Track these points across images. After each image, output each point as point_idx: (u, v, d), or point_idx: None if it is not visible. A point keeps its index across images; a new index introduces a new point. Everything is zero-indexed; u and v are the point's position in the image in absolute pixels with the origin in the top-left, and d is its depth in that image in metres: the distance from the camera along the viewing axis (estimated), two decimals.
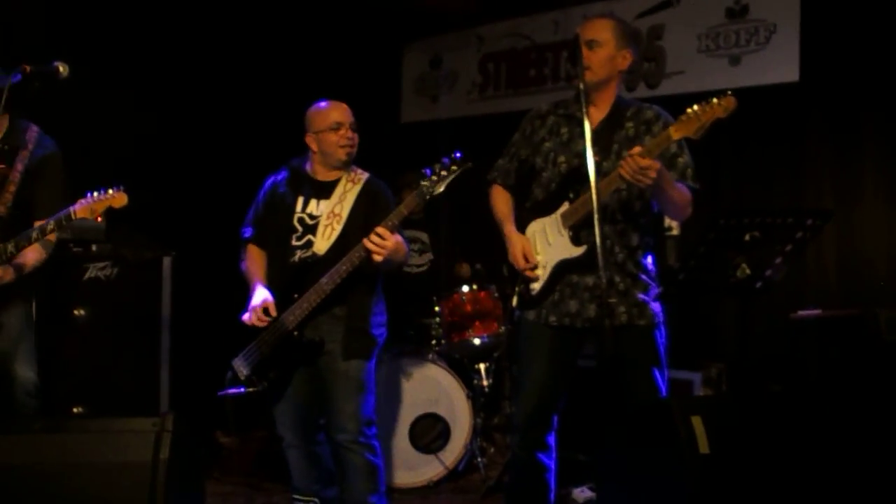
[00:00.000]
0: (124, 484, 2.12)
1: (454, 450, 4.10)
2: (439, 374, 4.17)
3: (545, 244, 2.80)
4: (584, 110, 2.50)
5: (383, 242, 2.86)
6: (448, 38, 5.70)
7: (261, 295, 3.07)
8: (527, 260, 2.80)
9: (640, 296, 2.75)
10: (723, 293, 2.67)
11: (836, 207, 4.15)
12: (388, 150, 3.65)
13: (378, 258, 2.88)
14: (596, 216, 2.41)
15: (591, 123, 2.54)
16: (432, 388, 4.15)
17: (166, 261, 4.13)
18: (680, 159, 2.72)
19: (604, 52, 2.72)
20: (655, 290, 2.78)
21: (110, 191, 2.81)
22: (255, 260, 3.24)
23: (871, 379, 3.48)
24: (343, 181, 3.16)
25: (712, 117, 2.43)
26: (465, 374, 4.34)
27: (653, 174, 2.45)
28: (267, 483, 4.11)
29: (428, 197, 2.88)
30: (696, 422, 2.29)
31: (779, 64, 4.39)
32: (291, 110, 5.36)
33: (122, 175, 3.29)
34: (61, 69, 2.74)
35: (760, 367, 3.81)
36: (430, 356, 4.22)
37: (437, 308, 4.38)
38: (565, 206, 2.75)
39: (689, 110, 2.46)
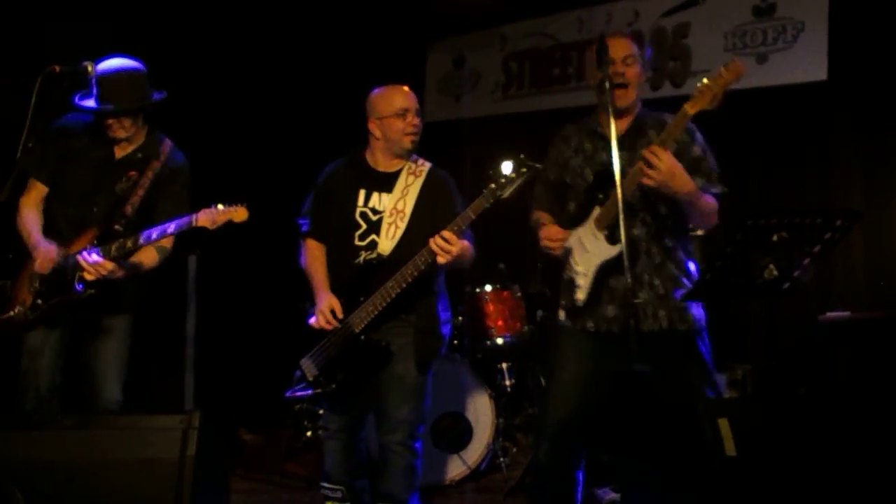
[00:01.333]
0: (151, 480, 2.14)
1: (476, 449, 4.09)
2: (462, 374, 4.17)
3: (583, 252, 2.76)
4: (609, 112, 2.50)
5: (449, 247, 2.79)
6: (471, 38, 5.69)
7: (328, 299, 2.99)
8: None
9: (681, 301, 2.72)
10: (750, 294, 2.63)
11: (865, 208, 4.10)
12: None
13: (443, 261, 2.81)
14: (621, 214, 2.41)
15: (608, 134, 2.59)
16: (455, 387, 4.15)
17: (191, 259, 4.17)
18: (705, 162, 2.72)
19: (637, 66, 2.77)
20: None
21: (234, 206, 2.85)
22: (316, 257, 3.13)
23: None
24: (405, 173, 3.06)
25: (724, 85, 2.46)
26: (487, 374, 4.33)
27: (667, 164, 2.50)
28: (290, 480, 4.13)
29: (496, 199, 2.79)
30: (723, 424, 2.28)
31: (807, 62, 4.34)
32: (318, 110, 5.42)
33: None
34: (89, 69, 2.77)
35: (787, 369, 3.78)
36: (454, 356, 4.22)
37: (459, 307, 4.39)
38: (597, 211, 2.74)
39: (699, 84, 2.49)
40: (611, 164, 2.50)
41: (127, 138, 3.06)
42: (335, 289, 3.04)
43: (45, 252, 2.92)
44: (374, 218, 3.03)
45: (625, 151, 2.62)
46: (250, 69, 5.10)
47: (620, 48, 2.73)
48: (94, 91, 2.97)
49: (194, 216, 2.84)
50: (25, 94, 2.63)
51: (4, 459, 2.17)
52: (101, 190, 3.06)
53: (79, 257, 2.86)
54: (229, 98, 4.99)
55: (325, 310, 2.96)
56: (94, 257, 2.84)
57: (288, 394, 3.10)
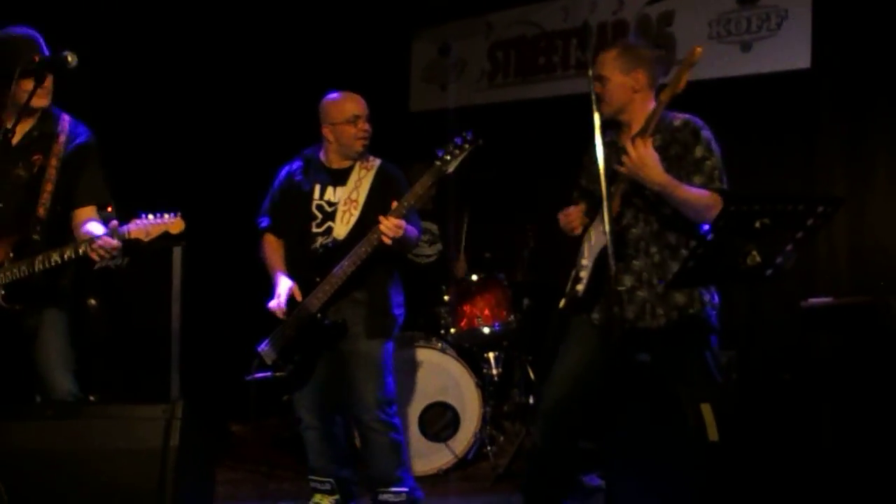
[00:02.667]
0: (135, 470, 2.14)
1: (464, 438, 4.11)
2: (449, 363, 4.17)
3: (589, 246, 2.84)
4: (596, 125, 2.53)
5: (391, 227, 2.95)
6: (457, 26, 5.67)
7: (285, 283, 3.16)
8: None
9: (683, 301, 2.76)
10: (733, 281, 2.65)
11: (848, 195, 4.12)
12: (396, 139, 3.66)
13: (387, 241, 2.97)
14: (605, 206, 2.42)
15: (624, 141, 2.78)
16: (442, 376, 4.16)
17: (176, 251, 4.16)
18: (708, 162, 2.75)
19: (612, 84, 2.83)
20: (707, 297, 2.79)
21: (167, 215, 2.71)
22: (274, 249, 3.32)
23: (881, 367, 3.46)
24: (357, 168, 3.26)
25: (686, 69, 2.65)
26: (474, 363, 4.34)
27: (649, 160, 2.61)
28: (278, 470, 4.13)
29: (441, 175, 2.99)
30: (706, 409, 2.29)
31: (790, 50, 4.35)
32: (300, 99, 5.35)
33: (129, 165, 3.29)
34: (70, 59, 2.71)
35: (770, 355, 3.80)
36: (440, 345, 4.22)
37: (446, 297, 4.39)
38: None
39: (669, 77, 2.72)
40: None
41: (32, 111, 2.79)
42: (293, 275, 3.19)
43: None
44: (330, 209, 3.21)
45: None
46: (235, 60, 5.07)
47: (595, 68, 2.81)
48: (45, 53, 2.77)
49: (126, 228, 2.67)
50: None
51: None
52: (4, 180, 2.82)
53: (94, 244, 2.66)
54: (216, 88, 4.96)
55: (283, 293, 3.12)
56: (105, 238, 2.66)
57: (247, 377, 3.21)
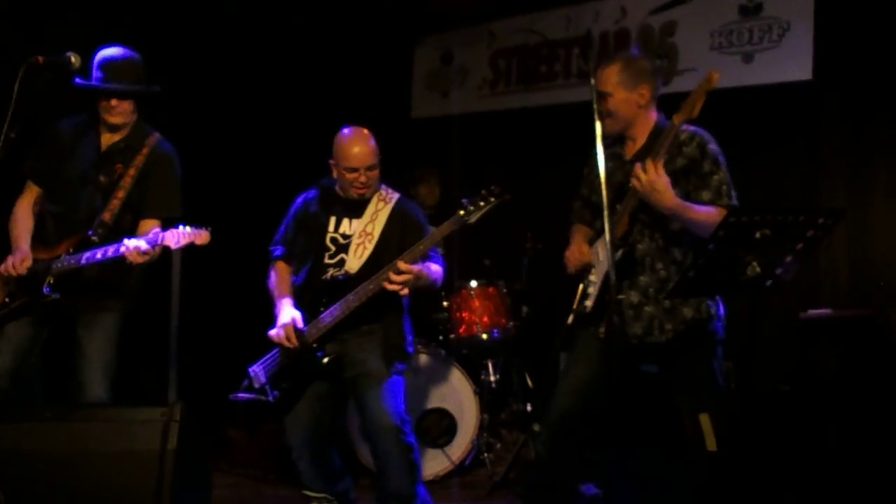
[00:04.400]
0: (132, 472, 2.14)
1: (461, 445, 4.10)
2: (447, 370, 4.17)
3: (597, 262, 2.84)
4: (597, 136, 2.54)
5: (403, 277, 2.91)
6: (459, 34, 5.69)
7: (288, 312, 3.08)
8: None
9: (691, 314, 2.75)
10: (732, 291, 2.65)
11: (849, 206, 4.13)
12: (398, 146, 3.65)
13: (392, 288, 2.93)
14: (606, 220, 2.43)
15: (628, 154, 2.84)
16: (440, 382, 4.16)
17: (176, 253, 4.14)
18: (715, 177, 2.74)
19: (615, 99, 2.80)
20: (714, 310, 2.79)
21: (197, 229, 2.88)
22: (282, 277, 3.26)
23: (881, 379, 3.46)
24: (374, 200, 3.20)
25: (703, 92, 2.60)
26: (472, 370, 4.34)
27: (659, 185, 2.60)
28: (275, 475, 4.13)
29: (462, 224, 2.95)
30: (704, 419, 2.29)
31: (792, 62, 4.36)
32: (304, 105, 5.40)
33: None
34: (73, 60, 2.74)
35: (769, 366, 3.79)
36: (439, 351, 4.22)
37: (445, 303, 4.39)
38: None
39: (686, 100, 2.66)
40: (625, 182, 2.65)
41: (118, 127, 3.07)
42: (300, 304, 3.13)
43: (16, 259, 2.95)
44: (344, 241, 3.16)
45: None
46: (239, 67, 5.07)
47: (597, 83, 2.76)
48: (96, 76, 3.03)
49: (161, 235, 2.86)
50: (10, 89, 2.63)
51: None
52: (86, 183, 3.07)
53: (125, 248, 2.83)
54: (221, 94, 4.95)
55: (288, 324, 3.03)
56: (138, 241, 2.84)
57: (232, 396, 3.18)
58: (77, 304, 3.01)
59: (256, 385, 3.15)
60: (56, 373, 3.19)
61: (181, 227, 2.87)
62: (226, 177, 4.89)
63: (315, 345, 3.05)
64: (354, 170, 3.11)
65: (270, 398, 3.10)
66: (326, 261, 3.15)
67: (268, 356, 3.15)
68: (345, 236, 3.17)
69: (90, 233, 2.98)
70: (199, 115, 4.85)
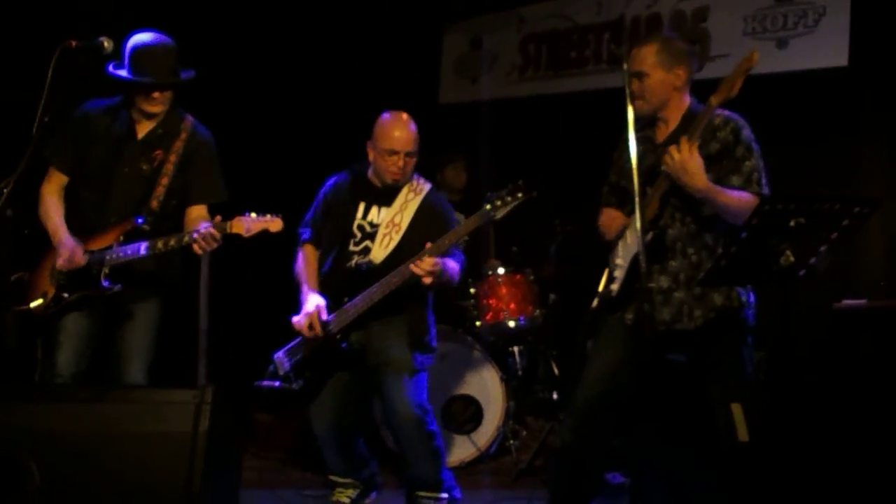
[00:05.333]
0: (164, 453, 2.16)
1: (486, 432, 4.10)
2: (473, 356, 4.17)
3: (624, 245, 2.81)
4: (630, 121, 2.51)
5: (426, 269, 2.90)
6: (489, 19, 5.65)
7: (314, 300, 3.07)
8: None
9: (721, 301, 2.72)
10: (765, 280, 2.61)
11: (886, 195, 4.05)
12: (426, 131, 3.64)
13: (427, 280, 2.92)
14: (637, 206, 2.40)
15: (660, 138, 2.79)
16: (466, 369, 4.16)
17: None
18: (747, 163, 2.70)
19: (651, 80, 2.75)
20: (745, 298, 2.75)
21: (269, 215, 2.85)
22: (309, 262, 3.24)
23: None
24: (405, 190, 3.18)
25: (742, 72, 2.54)
26: (499, 357, 4.33)
27: (690, 166, 2.55)
28: (302, 458, 4.16)
29: (488, 220, 2.92)
30: (736, 409, 2.26)
31: (828, 48, 4.29)
32: (333, 91, 5.40)
33: None
34: (106, 44, 2.74)
35: (801, 356, 3.75)
36: (465, 338, 4.22)
37: (472, 290, 4.38)
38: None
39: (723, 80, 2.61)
40: (656, 165, 2.61)
41: (155, 114, 3.04)
42: (324, 291, 3.12)
43: (71, 253, 2.92)
44: (371, 230, 3.15)
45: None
46: (268, 54, 5.08)
47: (631, 62, 2.74)
48: (128, 63, 2.97)
49: (229, 222, 2.83)
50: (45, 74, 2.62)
51: (19, 431, 2.19)
52: (122, 171, 3.05)
53: (197, 234, 2.81)
54: (248, 81, 4.97)
55: (312, 313, 3.02)
56: (209, 230, 2.82)
57: (256, 384, 3.20)
58: (125, 293, 2.99)
59: (281, 372, 3.15)
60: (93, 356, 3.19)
61: (247, 214, 2.83)
62: (255, 162, 4.91)
63: (339, 335, 3.05)
64: (394, 152, 3.08)
65: (295, 386, 3.11)
66: (351, 248, 3.14)
67: (292, 343, 3.15)
68: (372, 225, 3.16)
69: (140, 221, 2.96)
70: (230, 100, 4.87)
